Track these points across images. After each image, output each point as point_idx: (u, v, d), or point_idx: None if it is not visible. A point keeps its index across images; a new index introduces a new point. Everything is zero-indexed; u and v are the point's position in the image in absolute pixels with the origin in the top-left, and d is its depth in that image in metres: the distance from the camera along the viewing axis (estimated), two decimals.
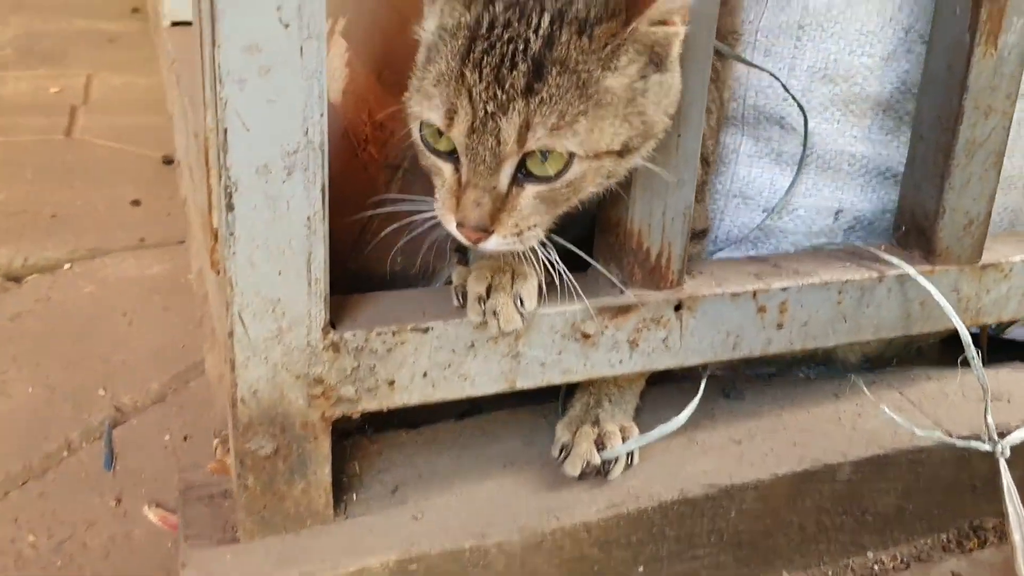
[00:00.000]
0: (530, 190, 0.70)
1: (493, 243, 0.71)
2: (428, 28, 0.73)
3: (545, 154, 0.68)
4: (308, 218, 0.70)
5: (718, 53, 0.90)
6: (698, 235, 0.96)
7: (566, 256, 0.83)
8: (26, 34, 2.72)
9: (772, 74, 0.96)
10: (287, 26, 0.65)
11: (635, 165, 0.74)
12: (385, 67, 0.93)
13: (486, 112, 0.67)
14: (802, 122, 0.98)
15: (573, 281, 0.76)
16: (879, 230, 1.03)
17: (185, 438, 1.06)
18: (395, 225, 0.83)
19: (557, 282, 0.77)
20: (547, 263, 0.74)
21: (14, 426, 1.07)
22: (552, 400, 0.94)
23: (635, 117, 0.70)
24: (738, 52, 0.97)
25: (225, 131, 0.66)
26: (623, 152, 0.71)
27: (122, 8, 3.03)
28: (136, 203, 1.65)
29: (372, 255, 0.87)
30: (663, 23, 0.68)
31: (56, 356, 1.19)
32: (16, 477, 1.00)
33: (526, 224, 0.71)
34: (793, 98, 0.97)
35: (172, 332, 1.26)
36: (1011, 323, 1.19)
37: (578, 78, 0.67)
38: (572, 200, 0.73)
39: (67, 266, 1.42)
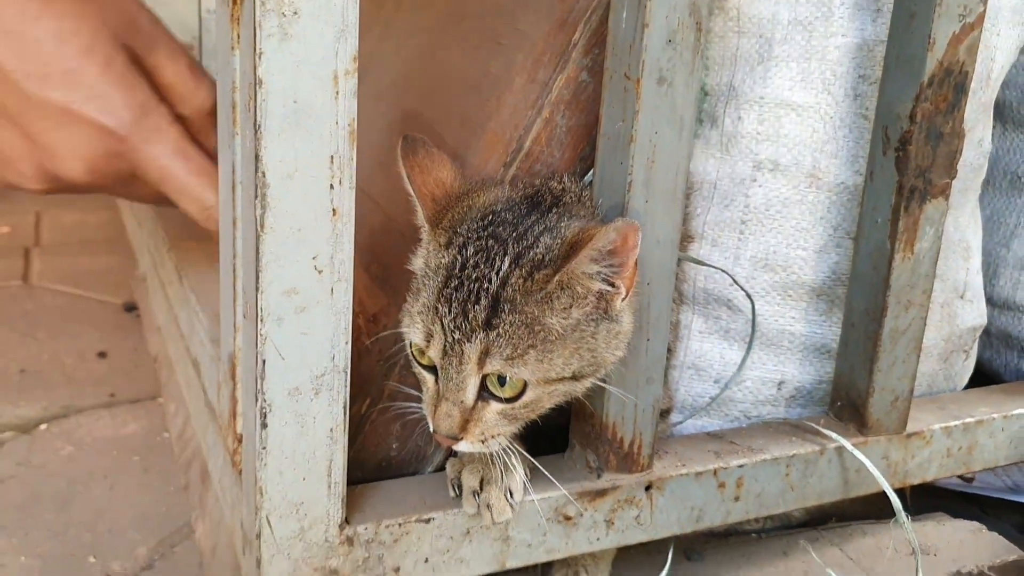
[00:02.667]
0: (494, 406, 0.81)
1: (462, 447, 0.82)
2: (417, 265, 0.84)
3: (503, 379, 0.79)
4: (331, 430, 0.79)
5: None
6: (663, 414, 1.07)
7: (556, 433, 0.94)
8: None
9: (722, 269, 1.09)
10: (320, 272, 0.75)
11: (593, 385, 0.85)
12: (372, 261, 1.03)
13: (454, 338, 0.78)
14: (748, 305, 1.11)
15: (528, 482, 0.86)
16: (816, 398, 1.15)
17: None
18: (392, 414, 0.93)
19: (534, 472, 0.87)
20: (510, 465, 0.85)
21: None
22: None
23: (585, 352, 0.81)
24: (688, 250, 1.10)
25: (263, 362, 0.75)
26: (576, 378, 0.82)
27: None
28: (102, 355, 1.70)
29: (370, 442, 0.95)
30: (591, 279, 0.79)
31: (43, 525, 1.23)
32: None
33: (490, 434, 0.82)
34: (741, 287, 1.10)
35: (153, 495, 1.30)
36: None
37: (524, 317, 0.79)
38: (532, 416, 0.84)
39: (43, 427, 1.46)
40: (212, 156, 0.88)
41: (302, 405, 0.77)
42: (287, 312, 0.74)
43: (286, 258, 0.73)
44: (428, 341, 0.80)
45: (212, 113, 0.86)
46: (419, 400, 0.86)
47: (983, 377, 1.42)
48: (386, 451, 0.95)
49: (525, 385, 0.80)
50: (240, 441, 0.85)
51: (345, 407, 0.79)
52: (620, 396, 0.90)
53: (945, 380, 1.26)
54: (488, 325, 0.78)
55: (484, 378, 0.80)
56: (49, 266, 2.09)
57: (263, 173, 0.71)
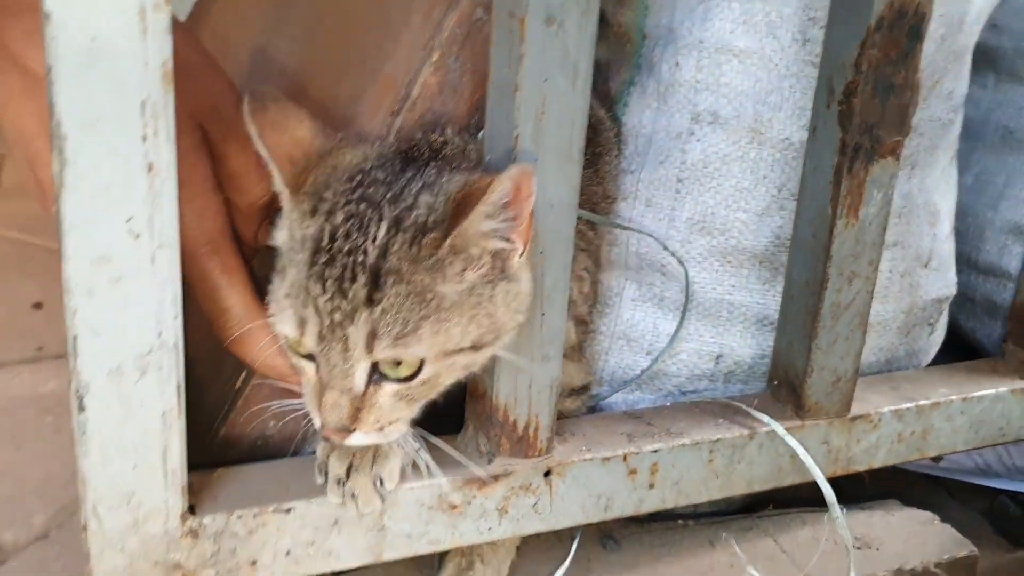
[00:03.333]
0: (387, 389, 0.71)
1: (357, 439, 0.72)
2: (280, 238, 0.74)
3: (398, 360, 0.69)
4: (163, 414, 0.71)
5: (588, 221, 0.93)
6: (577, 391, 0.98)
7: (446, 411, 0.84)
8: None
9: (650, 234, 0.99)
10: (137, 236, 0.65)
11: (492, 355, 0.76)
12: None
13: (332, 321, 0.69)
14: (682, 271, 1.01)
15: (433, 465, 0.77)
16: (758, 374, 1.05)
17: None
18: (269, 389, 0.84)
19: (425, 457, 0.78)
20: (411, 451, 0.76)
21: None
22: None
23: (484, 318, 0.72)
24: (614, 211, 1.00)
25: (75, 338, 0.66)
26: (476, 347, 0.73)
27: None
28: (38, 306, 1.62)
29: (246, 420, 0.87)
30: (486, 238, 0.70)
31: None
32: None
33: (388, 419, 0.72)
34: (672, 254, 1.00)
35: (61, 457, 1.23)
36: None
37: (414, 287, 0.69)
38: (432, 395, 0.74)
39: None
40: (248, 243, 0.83)
41: (126, 387, 0.69)
42: (99, 283, 0.66)
43: (94, 221, 0.64)
44: (301, 328, 0.71)
45: (264, 206, 0.81)
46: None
47: (966, 348, 1.32)
48: (262, 430, 0.86)
49: (422, 362, 0.71)
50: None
51: (179, 388, 0.70)
52: (512, 376, 0.81)
53: (907, 355, 1.15)
54: (370, 302, 0.69)
55: (375, 362, 0.70)
56: (4, 210, 2.01)
57: (59, 123, 0.61)
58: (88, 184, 0.63)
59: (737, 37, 0.96)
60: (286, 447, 0.88)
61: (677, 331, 1.03)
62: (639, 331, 1.05)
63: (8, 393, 1.36)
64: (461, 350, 0.72)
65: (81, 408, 0.68)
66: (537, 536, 0.96)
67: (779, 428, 0.94)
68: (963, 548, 1.02)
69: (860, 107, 0.87)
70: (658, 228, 1.01)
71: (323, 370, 0.71)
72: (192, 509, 0.75)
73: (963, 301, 1.35)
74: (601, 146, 0.96)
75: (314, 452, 0.84)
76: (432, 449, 0.80)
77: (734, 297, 1.03)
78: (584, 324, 0.99)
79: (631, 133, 1.03)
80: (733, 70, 0.97)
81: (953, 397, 1.04)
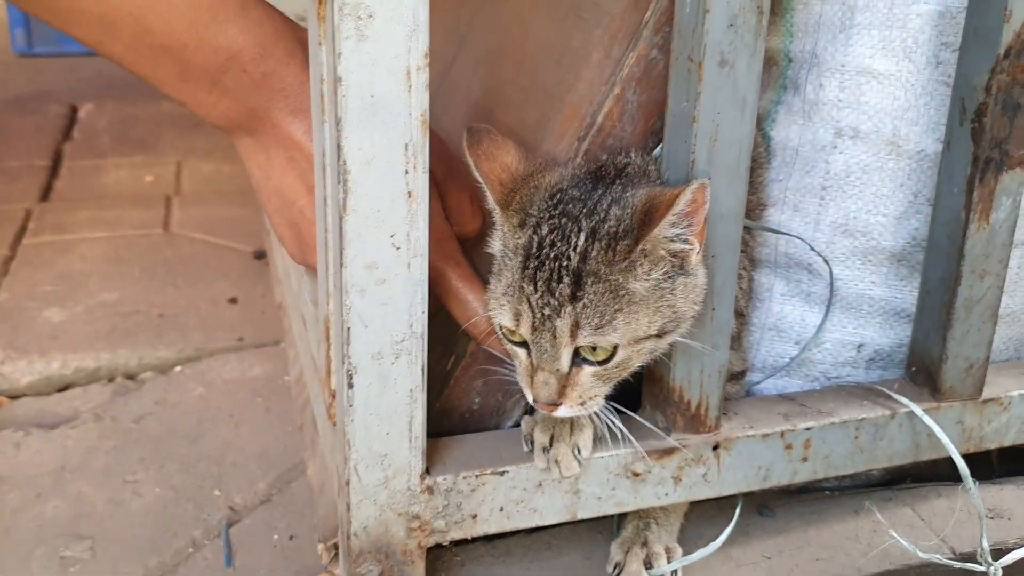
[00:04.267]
0: (587, 370, 0.87)
1: (562, 412, 0.88)
2: (496, 247, 0.90)
3: (594, 346, 0.85)
4: (411, 390, 0.87)
5: (747, 228, 1.06)
6: (736, 376, 1.12)
7: (625, 395, 1.00)
8: (119, 120, 2.95)
9: (798, 237, 1.12)
10: (398, 249, 0.82)
11: (674, 340, 0.90)
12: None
13: (543, 315, 0.85)
14: (827, 269, 1.13)
15: (627, 432, 0.92)
16: (896, 361, 1.17)
17: (291, 537, 1.23)
18: (475, 371, 1.01)
19: (612, 430, 0.93)
20: (607, 421, 0.91)
21: (147, 524, 1.25)
22: (608, 517, 1.10)
23: (666, 309, 0.87)
24: (765, 216, 1.13)
25: (348, 329, 0.84)
26: (660, 334, 0.87)
27: None
28: (233, 301, 1.84)
29: (454, 396, 1.04)
30: (671, 242, 0.84)
31: (176, 457, 1.38)
32: (153, 571, 1.17)
33: (588, 395, 0.87)
34: (818, 253, 1.12)
35: (274, 433, 1.43)
36: None
37: (609, 285, 0.84)
38: (624, 375, 0.89)
39: (178, 368, 1.61)
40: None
41: (384, 368, 0.86)
42: (369, 284, 0.82)
43: (367, 236, 0.81)
44: (517, 321, 0.87)
45: (479, 238, 1.01)
46: (505, 362, 0.93)
47: None
48: (469, 405, 1.03)
49: (615, 348, 0.86)
50: (334, 396, 0.94)
51: (423, 370, 0.87)
52: (687, 362, 0.95)
53: None
54: (574, 299, 0.84)
55: (577, 348, 0.86)
56: (187, 215, 2.25)
57: (344, 161, 0.78)
58: (364, 207, 0.80)
59: (876, 61, 1.08)
60: (488, 419, 1.05)
61: (823, 323, 1.15)
62: (788, 323, 1.18)
63: (221, 377, 1.57)
64: (648, 337, 0.87)
65: (350, 385, 0.85)
66: (703, 504, 1.11)
67: (917, 409, 1.06)
68: None
69: (990, 125, 0.98)
70: (804, 231, 1.14)
71: (535, 355, 0.87)
72: (428, 470, 0.92)
73: None
74: (754, 161, 1.09)
75: (515, 425, 1.00)
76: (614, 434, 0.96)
77: (874, 292, 1.15)
78: (741, 316, 1.12)
79: (779, 147, 1.16)
80: (873, 90, 1.09)
81: None
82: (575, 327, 0.84)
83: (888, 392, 1.08)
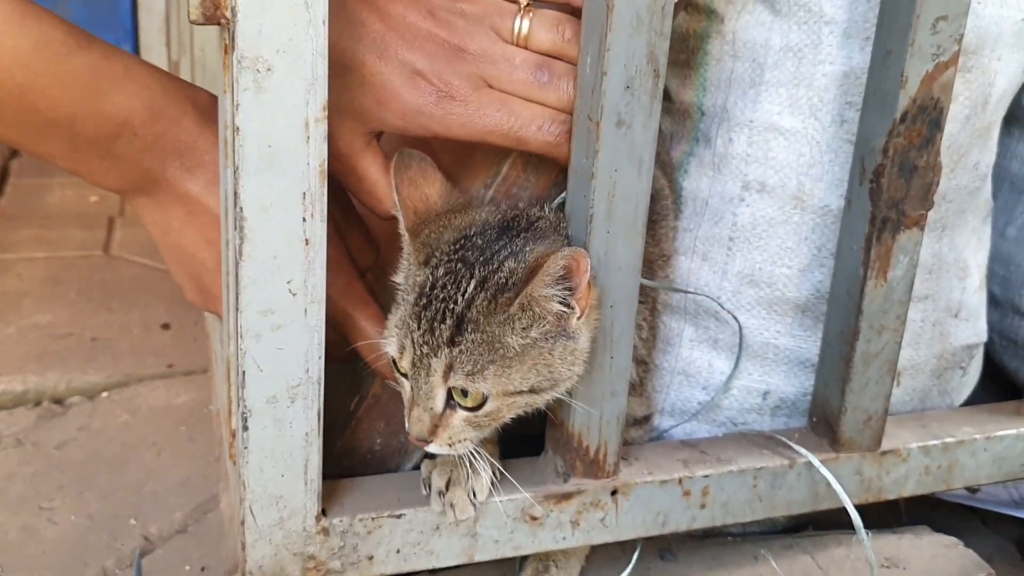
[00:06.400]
0: (460, 414, 0.89)
1: (433, 448, 0.90)
2: (399, 279, 0.93)
3: (465, 392, 0.87)
4: (306, 434, 0.89)
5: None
6: (639, 421, 1.14)
7: (536, 439, 1.02)
8: None
9: (706, 295, 1.15)
10: (295, 295, 0.84)
11: (552, 398, 0.92)
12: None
13: (422, 352, 0.87)
14: (735, 320, 1.16)
15: (494, 481, 0.95)
16: (801, 409, 1.20)
17: (202, 569, 1.23)
18: (377, 413, 1.03)
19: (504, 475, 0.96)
20: (479, 468, 0.93)
21: (59, 552, 1.25)
22: (510, 559, 1.12)
23: (543, 367, 0.88)
24: (670, 266, 1.16)
25: (244, 372, 0.85)
26: (533, 391, 0.89)
27: None
28: (166, 327, 1.84)
29: (357, 436, 1.05)
30: (548, 301, 0.86)
31: (95, 486, 1.38)
32: None
33: (457, 438, 0.90)
34: (725, 309, 1.15)
35: (195, 463, 1.44)
36: None
37: (486, 336, 0.86)
38: (495, 424, 0.91)
39: (105, 394, 1.61)
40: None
41: (279, 411, 0.87)
42: (264, 329, 0.84)
43: (263, 282, 0.82)
44: (401, 353, 0.89)
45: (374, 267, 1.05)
46: None
47: (1010, 389, 1.44)
48: (371, 445, 1.05)
49: (485, 397, 0.88)
50: (234, 436, 0.95)
51: (319, 414, 0.89)
52: (585, 409, 0.97)
53: (940, 395, 1.29)
54: (452, 343, 0.86)
55: (450, 389, 0.88)
56: (129, 237, 2.25)
57: (241, 208, 0.80)
58: (260, 254, 0.82)
59: (783, 118, 1.11)
60: (389, 460, 1.06)
61: (733, 372, 1.18)
62: (696, 368, 1.20)
63: (147, 404, 1.57)
64: (520, 392, 0.89)
65: (245, 428, 0.86)
66: (604, 547, 1.13)
67: (815, 460, 1.09)
68: (982, 571, 1.15)
69: (887, 186, 1.01)
70: (712, 279, 1.17)
71: (412, 390, 0.89)
72: (324, 512, 0.93)
73: (1007, 343, 1.48)
74: (658, 213, 1.12)
75: (416, 466, 1.02)
76: (516, 468, 0.97)
77: (779, 341, 1.18)
78: (644, 364, 1.14)
79: (690, 196, 1.19)
80: (779, 146, 1.12)
81: (977, 436, 1.17)
82: (448, 369, 0.86)
83: (787, 442, 1.11)
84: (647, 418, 1.16)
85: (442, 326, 0.86)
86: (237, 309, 0.83)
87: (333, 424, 1.06)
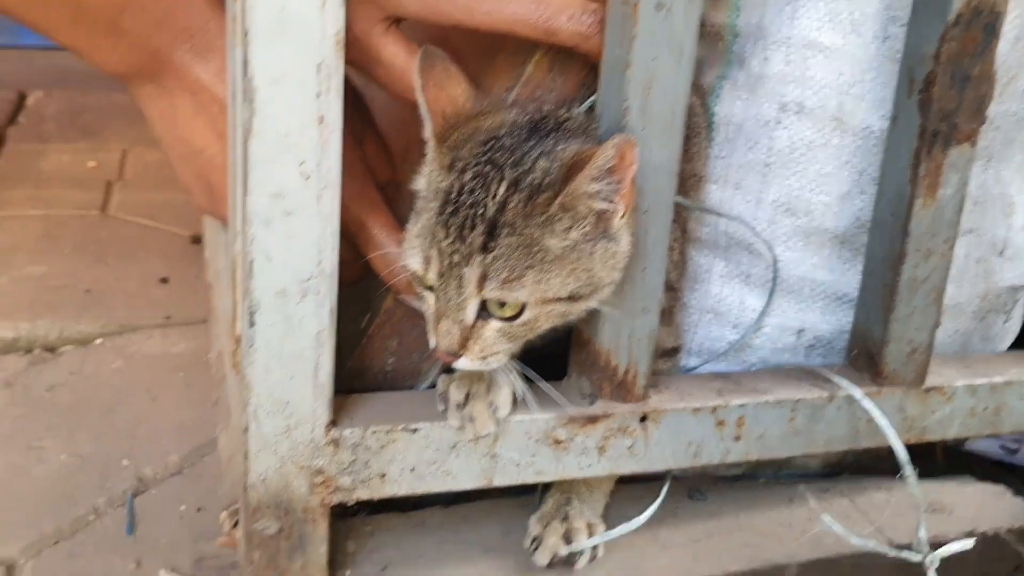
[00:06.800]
0: (493, 324, 0.82)
1: (462, 364, 0.83)
2: (420, 184, 0.86)
3: (502, 302, 0.80)
4: (318, 333, 0.82)
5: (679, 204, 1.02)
6: (668, 353, 1.07)
7: (550, 362, 0.95)
8: (67, 108, 2.88)
9: (737, 219, 1.08)
10: (307, 178, 0.77)
11: (589, 308, 0.85)
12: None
13: (452, 262, 0.80)
14: (769, 251, 1.10)
15: (529, 395, 0.88)
16: (837, 348, 1.13)
17: (199, 509, 1.17)
18: (389, 330, 0.96)
19: (529, 394, 0.89)
20: (513, 380, 0.86)
21: (47, 490, 1.18)
22: (530, 492, 1.05)
23: (582, 272, 0.82)
24: (701, 192, 1.09)
25: (251, 262, 0.78)
26: (573, 298, 0.83)
27: None
28: (164, 280, 1.77)
29: (368, 355, 0.98)
30: (592, 198, 0.80)
31: (86, 427, 1.31)
32: (49, 537, 1.10)
33: (490, 351, 0.83)
34: (760, 238, 1.08)
35: (192, 408, 1.37)
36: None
37: (523, 239, 0.79)
38: (530, 336, 0.84)
39: (98, 341, 1.54)
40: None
41: (289, 307, 0.80)
42: (274, 215, 0.77)
43: (273, 162, 0.76)
44: (426, 265, 0.82)
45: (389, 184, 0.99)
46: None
47: None
48: (382, 365, 0.98)
49: (523, 306, 0.81)
50: (238, 342, 0.88)
51: (331, 312, 0.82)
52: (615, 325, 0.91)
53: (981, 341, 1.22)
54: (485, 249, 0.79)
55: (483, 301, 0.81)
56: (127, 198, 2.18)
57: (251, 78, 0.73)
58: (271, 129, 0.75)
59: (823, 34, 1.05)
60: (402, 381, 0.99)
61: (765, 309, 1.11)
62: (726, 305, 1.14)
63: (143, 352, 1.51)
64: (559, 299, 0.82)
65: (252, 323, 0.80)
66: (630, 485, 1.06)
67: (857, 392, 1.02)
68: None
69: (939, 96, 0.95)
70: (746, 209, 1.10)
71: (440, 302, 0.82)
72: (334, 422, 0.86)
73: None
74: (691, 129, 1.05)
75: (431, 386, 0.95)
76: (538, 391, 0.91)
77: (816, 275, 1.11)
78: (673, 291, 1.08)
79: (723, 122, 1.12)
80: (818, 64, 1.05)
81: None
82: (482, 279, 0.80)
83: (827, 374, 1.05)
84: (675, 350, 1.09)
85: (472, 233, 0.80)
86: (245, 191, 0.77)
87: (342, 344, 0.99)
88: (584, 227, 0.82)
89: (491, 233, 0.80)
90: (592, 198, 0.80)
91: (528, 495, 1.05)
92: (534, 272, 0.80)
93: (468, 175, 0.82)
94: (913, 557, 0.97)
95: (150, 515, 1.16)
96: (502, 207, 0.80)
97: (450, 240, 0.80)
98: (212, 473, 1.23)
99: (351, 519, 0.99)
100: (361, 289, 1.00)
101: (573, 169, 0.80)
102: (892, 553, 0.98)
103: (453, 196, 0.82)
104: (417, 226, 0.84)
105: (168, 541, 1.11)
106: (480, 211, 0.80)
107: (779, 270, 1.10)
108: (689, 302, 1.15)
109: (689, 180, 1.06)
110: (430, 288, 0.84)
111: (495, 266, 0.79)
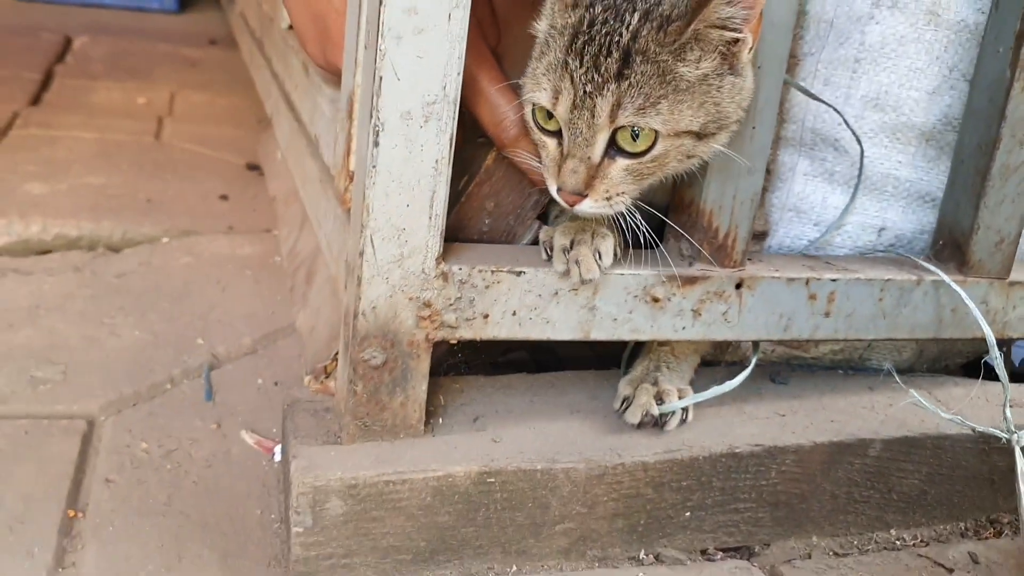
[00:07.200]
0: (620, 163, 0.83)
1: (586, 205, 0.84)
2: (541, 28, 0.86)
3: (635, 133, 0.81)
4: (436, 161, 0.83)
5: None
6: (758, 236, 1.08)
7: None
8: (113, 52, 2.90)
9: (832, 106, 1.09)
10: None
11: (712, 150, 0.86)
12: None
13: (585, 92, 0.80)
14: (856, 146, 1.10)
15: (655, 238, 0.88)
16: (917, 249, 1.14)
17: (276, 383, 1.17)
18: (486, 192, 0.97)
19: (631, 250, 0.89)
20: (633, 226, 0.86)
21: (123, 360, 1.18)
22: (615, 367, 1.05)
23: (711, 106, 0.83)
24: (796, 77, 1.10)
25: (380, 79, 0.79)
26: (701, 135, 0.83)
27: (200, 39, 3.22)
28: (224, 197, 1.78)
29: (465, 214, 0.99)
30: (723, 28, 0.81)
31: (158, 310, 1.31)
32: (128, 399, 1.11)
33: (616, 191, 0.83)
34: (852, 130, 1.09)
35: (262, 301, 1.37)
36: None
37: (658, 67, 0.80)
38: (656, 174, 0.85)
39: (164, 240, 1.55)
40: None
41: (412, 130, 0.81)
42: (406, 31, 0.78)
43: None
44: (556, 99, 0.82)
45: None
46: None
47: None
48: (479, 226, 0.98)
49: (656, 137, 0.82)
50: (351, 179, 0.89)
51: (451, 140, 0.82)
52: (720, 184, 0.91)
53: None
54: (620, 76, 0.80)
55: (615, 133, 0.82)
56: (180, 130, 2.20)
57: None
58: None
59: None
60: (498, 242, 1.00)
61: (848, 206, 1.12)
62: (809, 204, 1.14)
63: (210, 250, 1.51)
64: (689, 132, 0.83)
65: (376, 143, 0.80)
66: (711, 368, 1.07)
67: (945, 276, 1.02)
68: None
69: None
70: (835, 104, 1.11)
71: (567, 139, 0.82)
72: (444, 257, 0.87)
73: None
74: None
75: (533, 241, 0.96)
76: (637, 255, 0.92)
77: (900, 172, 1.12)
78: (768, 172, 1.08)
79: (814, 19, 1.13)
80: None
81: None
82: (616, 107, 0.80)
83: (916, 260, 1.05)
84: (764, 234, 1.10)
85: (608, 60, 0.80)
86: (380, 3, 0.77)
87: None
88: (713, 59, 0.82)
89: (626, 60, 0.80)
90: (724, 26, 0.81)
91: (614, 369, 1.05)
92: (668, 101, 0.81)
93: (598, 8, 0.83)
94: (1000, 435, 0.97)
95: (227, 387, 1.16)
96: (635, 35, 0.81)
97: (584, 69, 0.81)
98: (286, 356, 1.24)
99: (441, 377, 1.00)
100: (458, 151, 1.00)
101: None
102: (980, 429, 0.98)
103: (585, 28, 0.82)
104: (543, 62, 0.84)
105: (247, 408, 1.12)
106: (615, 39, 0.81)
107: (864, 167, 1.11)
108: (772, 199, 1.15)
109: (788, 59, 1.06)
110: (551, 133, 0.84)
111: (630, 93, 0.80)
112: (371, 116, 0.80)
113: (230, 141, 2.13)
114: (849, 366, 1.18)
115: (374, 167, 0.81)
